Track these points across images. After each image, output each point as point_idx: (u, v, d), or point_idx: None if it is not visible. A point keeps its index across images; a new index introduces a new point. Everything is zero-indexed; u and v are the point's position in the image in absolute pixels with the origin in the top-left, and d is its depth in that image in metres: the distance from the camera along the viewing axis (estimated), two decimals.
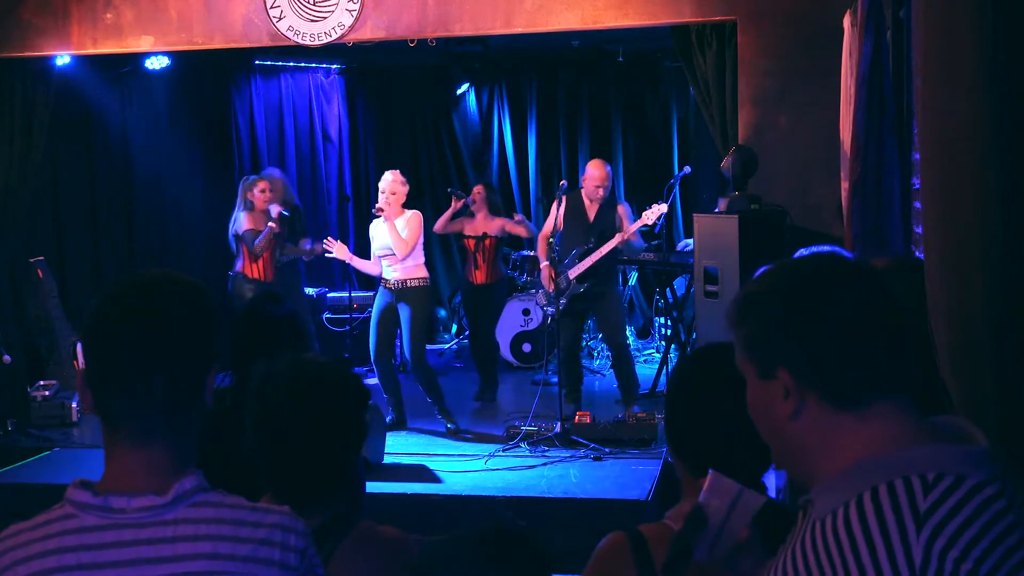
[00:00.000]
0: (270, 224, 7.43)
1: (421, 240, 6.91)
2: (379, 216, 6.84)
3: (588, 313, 7.17)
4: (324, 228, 10.13)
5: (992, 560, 1.21)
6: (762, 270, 1.46)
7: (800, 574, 1.29)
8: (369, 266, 7.07)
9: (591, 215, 6.95)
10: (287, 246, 7.83)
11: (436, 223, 7.98)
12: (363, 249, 10.43)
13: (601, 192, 6.90)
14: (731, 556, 1.55)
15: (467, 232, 7.86)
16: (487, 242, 7.78)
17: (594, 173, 6.94)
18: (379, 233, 6.91)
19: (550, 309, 7.04)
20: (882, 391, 1.33)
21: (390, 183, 6.89)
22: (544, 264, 7.11)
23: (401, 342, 7.12)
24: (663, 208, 6.82)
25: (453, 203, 7.84)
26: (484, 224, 7.82)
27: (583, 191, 7.01)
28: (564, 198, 6.87)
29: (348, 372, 2.09)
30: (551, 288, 6.94)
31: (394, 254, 6.80)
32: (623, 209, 6.99)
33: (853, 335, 1.33)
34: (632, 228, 6.78)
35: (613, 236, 6.77)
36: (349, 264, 7.27)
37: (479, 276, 7.83)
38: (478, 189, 7.94)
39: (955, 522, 1.22)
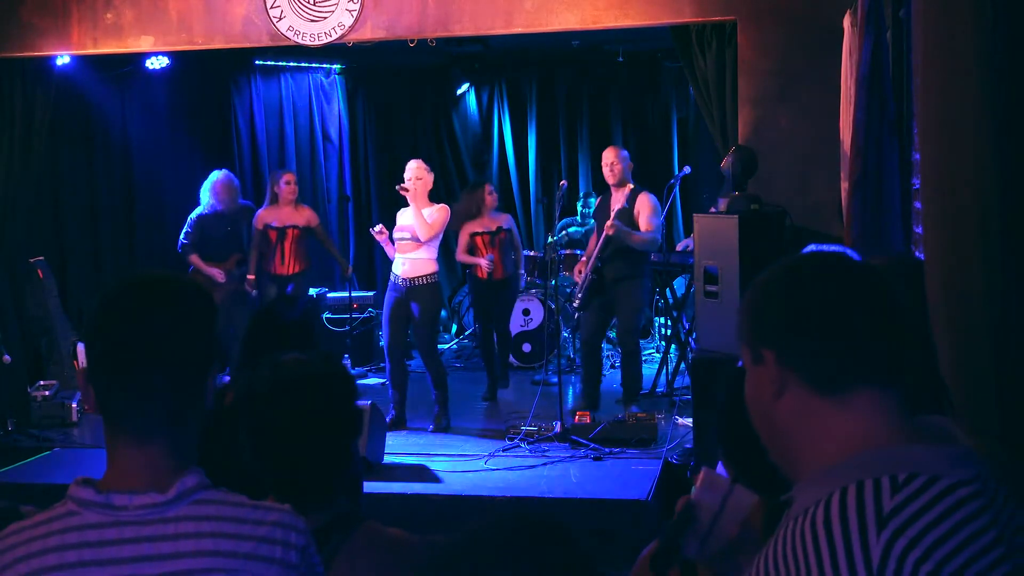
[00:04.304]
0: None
1: (440, 235, 6.92)
2: (403, 195, 6.83)
3: (611, 310, 7.02)
4: (324, 228, 10.14)
5: (958, 562, 1.20)
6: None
7: (769, 572, 1.30)
8: (391, 249, 7.08)
9: (614, 208, 6.89)
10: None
11: (458, 254, 7.97)
12: (362, 247, 10.39)
13: (610, 174, 6.90)
14: (726, 553, 1.54)
15: (478, 229, 7.76)
16: (502, 235, 7.75)
17: (603, 158, 7.02)
18: (403, 217, 6.93)
19: (573, 304, 7.11)
20: (861, 379, 1.34)
21: (415, 169, 6.92)
22: (583, 259, 7.20)
23: (412, 338, 7.13)
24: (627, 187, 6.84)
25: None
26: (492, 220, 7.77)
27: None
28: (556, 202, 6.92)
29: (330, 366, 2.08)
30: (577, 279, 7.06)
31: (410, 239, 6.79)
32: (643, 200, 6.83)
33: (834, 320, 1.34)
34: (611, 218, 6.72)
35: (631, 226, 6.72)
36: (350, 264, 7.29)
37: (483, 271, 7.76)
38: (488, 188, 7.90)
39: (920, 523, 1.21)
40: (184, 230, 7.83)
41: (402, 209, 7.02)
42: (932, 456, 1.29)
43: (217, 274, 7.72)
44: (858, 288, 1.37)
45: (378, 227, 7.00)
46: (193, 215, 7.86)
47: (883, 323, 1.36)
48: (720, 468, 1.89)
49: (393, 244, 6.93)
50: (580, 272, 7.06)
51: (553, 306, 7.97)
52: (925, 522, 1.21)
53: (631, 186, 6.93)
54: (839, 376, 1.34)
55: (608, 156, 6.97)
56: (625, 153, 7.05)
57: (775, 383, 1.38)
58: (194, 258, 7.77)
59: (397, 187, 6.93)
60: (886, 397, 1.35)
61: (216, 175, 7.91)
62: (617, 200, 6.89)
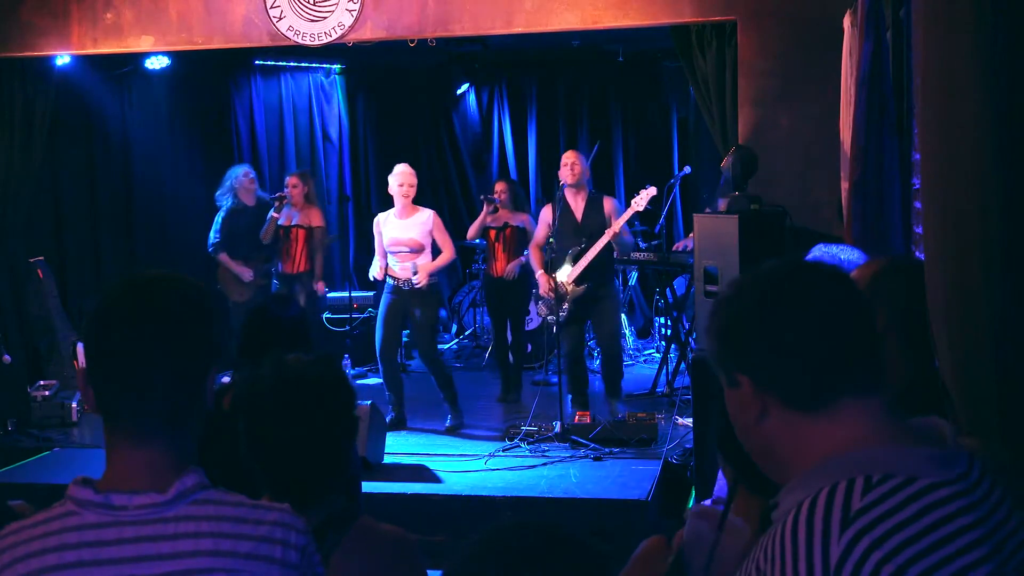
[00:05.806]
0: (272, 213, 7.70)
1: (431, 241, 6.93)
2: (282, 203, 6.98)
3: (587, 317, 7.06)
4: (323, 233, 10.13)
5: (927, 563, 1.19)
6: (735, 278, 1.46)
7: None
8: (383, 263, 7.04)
9: (579, 215, 6.88)
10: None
11: (469, 231, 8.00)
12: (362, 247, 10.38)
13: (569, 174, 6.84)
14: None
15: (490, 223, 7.80)
16: (507, 231, 7.74)
17: (563, 159, 6.98)
18: (391, 228, 6.89)
19: (551, 318, 6.96)
20: (841, 391, 1.33)
21: (405, 175, 6.90)
22: (539, 273, 6.98)
23: (410, 339, 7.12)
24: (652, 191, 6.77)
25: (485, 208, 7.80)
26: (507, 217, 7.80)
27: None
28: (557, 203, 6.87)
29: (330, 368, 2.08)
30: (549, 295, 6.84)
31: (408, 251, 6.80)
32: (611, 204, 6.88)
33: (806, 339, 1.33)
34: (622, 218, 6.68)
35: (603, 233, 6.72)
36: (350, 263, 7.28)
37: (499, 268, 7.75)
38: (502, 187, 7.91)
39: (888, 523, 1.20)
40: (212, 230, 7.97)
41: (383, 215, 6.99)
42: (912, 457, 1.27)
43: (245, 273, 7.80)
44: (823, 302, 1.35)
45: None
46: (219, 215, 7.97)
47: (853, 332, 1.35)
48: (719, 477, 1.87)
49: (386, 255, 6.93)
50: (550, 290, 6.76)
51: (553, 320, 7.95)
52: (894, 522, 1.20)
53: (589, 191, 6.97)
54: (820, 393, 1.33)
55: (570, 156, 6.96)
56: (583, 156, 7.07)
57: (755, 407, 1.36)
58: (223, 257, 7.90)
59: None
60: (868, 403, 1.34)
61: (237, 170, 8.04)
62: (578, 204, 6.90)
